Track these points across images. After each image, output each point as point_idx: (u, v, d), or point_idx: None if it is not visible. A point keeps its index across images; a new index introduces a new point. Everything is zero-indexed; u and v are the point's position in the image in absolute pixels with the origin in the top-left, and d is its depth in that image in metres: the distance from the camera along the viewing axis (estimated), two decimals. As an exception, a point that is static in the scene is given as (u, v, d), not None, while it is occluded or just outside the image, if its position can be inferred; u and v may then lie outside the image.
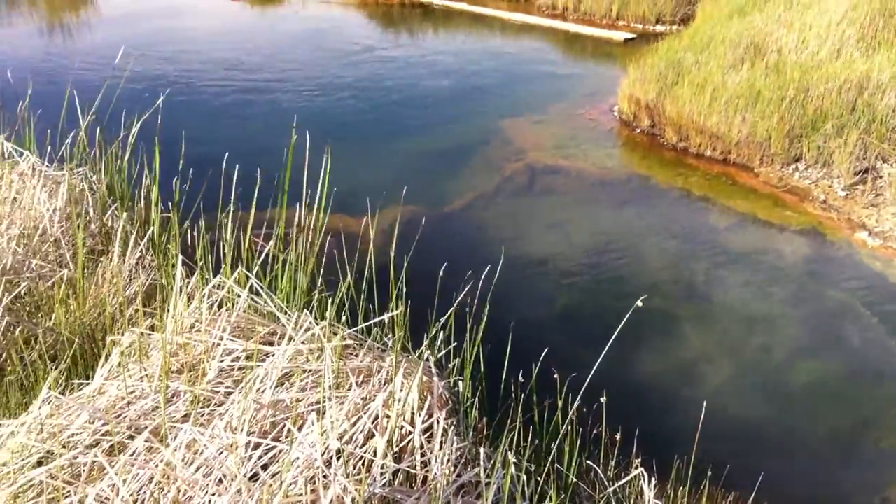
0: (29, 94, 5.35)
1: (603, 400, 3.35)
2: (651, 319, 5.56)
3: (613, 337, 3.29)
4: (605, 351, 3.28)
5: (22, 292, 3.97)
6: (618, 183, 7.84)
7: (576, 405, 3.35)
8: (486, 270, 3.92)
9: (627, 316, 3.31)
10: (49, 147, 5.14)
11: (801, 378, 5.18)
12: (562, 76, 10.84)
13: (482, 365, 3.70)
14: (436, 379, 3.38)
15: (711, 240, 6.80)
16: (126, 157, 5.01)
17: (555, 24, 12.95)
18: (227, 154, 4.44)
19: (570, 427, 3.37)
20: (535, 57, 11.63)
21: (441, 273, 3.96)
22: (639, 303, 3.41)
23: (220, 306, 3.69)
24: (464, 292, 3.80)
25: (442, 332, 3.75)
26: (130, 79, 6.31)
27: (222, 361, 3.36)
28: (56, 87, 6.38)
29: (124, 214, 4.51)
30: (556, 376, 3.51)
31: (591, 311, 5.77)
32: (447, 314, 3.74)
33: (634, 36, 12.28)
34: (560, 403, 3.43)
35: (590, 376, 3.26)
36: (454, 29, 12.86)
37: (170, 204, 4.53)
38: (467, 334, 3.66)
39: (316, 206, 4.11)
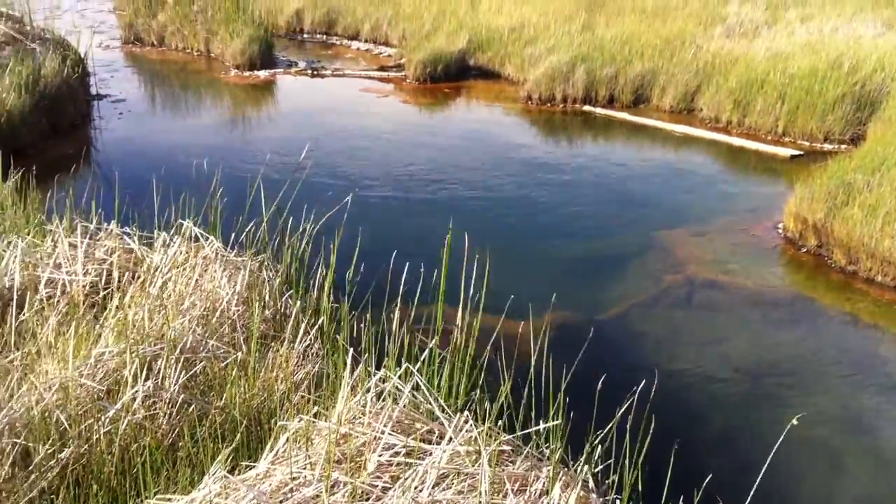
0: (216, 182, 5.72)
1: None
2: (814, 450, 5.30)
3: (768, 462, 3.17)
4: (759, 478, 3.16)
5: (197, 371, 4.18)
6: (780, 303, 7.60)
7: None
8: (644, 384, 3.86)
9: (780, 440, 3.19)
10: (233, 234, 5.47)
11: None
12: (723, 190, 10.69)
13: (640, 484, 3.61)
14: (593, 495, 3.33)
15: (881, 371, 6.45)
16: (302, 248, 5.26)
17: (717, 136, 12.83)
18: (394, 249, 4.62)
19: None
20: (697, 169, 11.54)
21: (599, 383, 3.92)
22: (794, 421, 3.28)
23: (379, 398, 3.77)
24: (625, 405, 3.75)
25: (600, 445, 3.70)
26: (311, 172, 6.69)
27: (381, 456, 3.42)
28: (241, 176, 6.83)
29: (297, 303, 4.72)
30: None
31: (750, 435, 5.55)
32: (606, 428, 3.69)
33: (801, 153, 12.01)
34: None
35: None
36: (614, 138, 12.95)
37: (340, 295, 4.72)
38: (626, 449, 3.59)
39: (476, 307, 4.19)
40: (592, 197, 10.09)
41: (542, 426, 3.74)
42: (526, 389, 3.96)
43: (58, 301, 4.83)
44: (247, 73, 15.55)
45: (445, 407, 3.74)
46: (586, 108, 14.10)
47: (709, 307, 7.43)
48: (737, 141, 12.66)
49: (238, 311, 4.72)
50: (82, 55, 13.17)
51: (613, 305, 7.24)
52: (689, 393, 5.95)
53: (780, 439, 3.27)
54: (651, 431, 3.66)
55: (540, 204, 9.77)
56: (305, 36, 19.63)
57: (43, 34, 13.21)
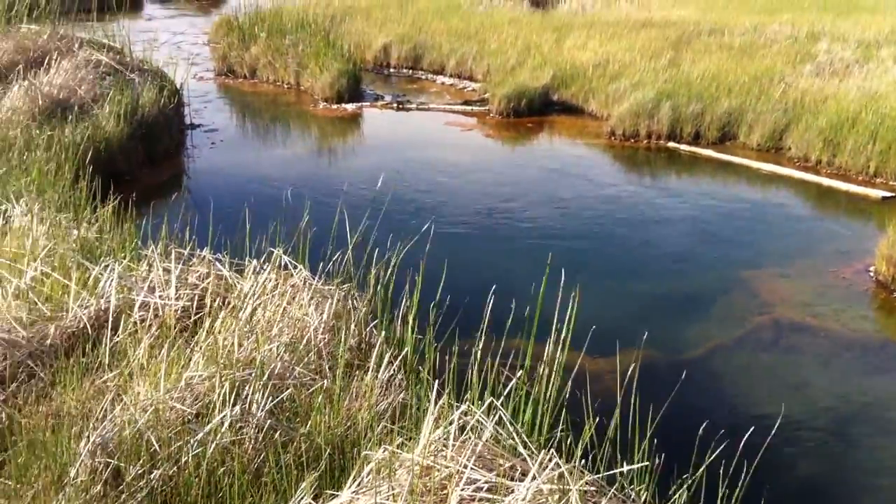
0: (305, 212, 5.83)
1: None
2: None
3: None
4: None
5: (284, 398, 4.24)
6: (871, 348, 7.37)
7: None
8: (731, 428, 3.78)
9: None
10: (320, 262, 5.56)
11: None
12: (812, 230, 10.44)
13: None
14: (680, 540, 3.26)
15: (982, 422, 6.19)
16: (387, 278, 5.31)
17: (806, 176, 12.55)
18: (477, 282, 4.64)
19: None
20: (784, 208, 11.30)
21: (685, 426, 3.86)
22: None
23: (462, 432, 3.76)
24: (712, 450, 3.67)
25: (687, 490, 3.62)
26: (395, 204, 6.78)
27: (464, 490, 3.41)
28: (328, 206, 6.92)
29: (382, 333, 4.76)
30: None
31: (839, 485, 5.38)
32: (694, 472, 3.62)
33: (893, 195, 11.66)
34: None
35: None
36: (699, 175, 12.77)
37: (424, 326, 4.74)
38: (720, 496, 3.51)
39: (560, 342, 4.16)
40: (677, 234, 9.95)
41: (626, 468, 3.69)
42: (610, 429, 3.91)
43: (150, 324, 4.98)
44: (335, 106, 15.83)
45: (528, 443, 3.72)
46: (671, 144, 13.95)
47: (797, 351, 7.24)
48: (826, 181, 12.35)
49: (324, 339, 4.78)
50: (178, 86, 13.60)
51: (699, 346, 7.12)
52: (777, 439, 5.74)
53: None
54: (741, 479, 3.58)
55: (624, 241, 9.69)
56: (392, 70, 19.93)
57: (141, 65, 13.71)
